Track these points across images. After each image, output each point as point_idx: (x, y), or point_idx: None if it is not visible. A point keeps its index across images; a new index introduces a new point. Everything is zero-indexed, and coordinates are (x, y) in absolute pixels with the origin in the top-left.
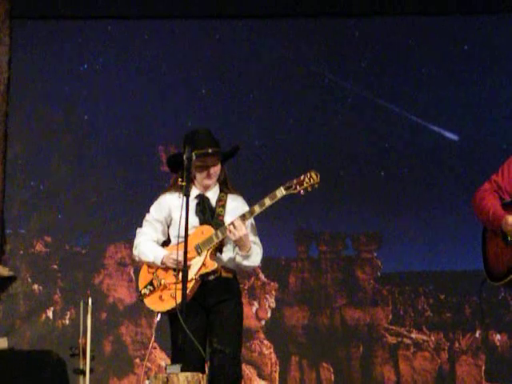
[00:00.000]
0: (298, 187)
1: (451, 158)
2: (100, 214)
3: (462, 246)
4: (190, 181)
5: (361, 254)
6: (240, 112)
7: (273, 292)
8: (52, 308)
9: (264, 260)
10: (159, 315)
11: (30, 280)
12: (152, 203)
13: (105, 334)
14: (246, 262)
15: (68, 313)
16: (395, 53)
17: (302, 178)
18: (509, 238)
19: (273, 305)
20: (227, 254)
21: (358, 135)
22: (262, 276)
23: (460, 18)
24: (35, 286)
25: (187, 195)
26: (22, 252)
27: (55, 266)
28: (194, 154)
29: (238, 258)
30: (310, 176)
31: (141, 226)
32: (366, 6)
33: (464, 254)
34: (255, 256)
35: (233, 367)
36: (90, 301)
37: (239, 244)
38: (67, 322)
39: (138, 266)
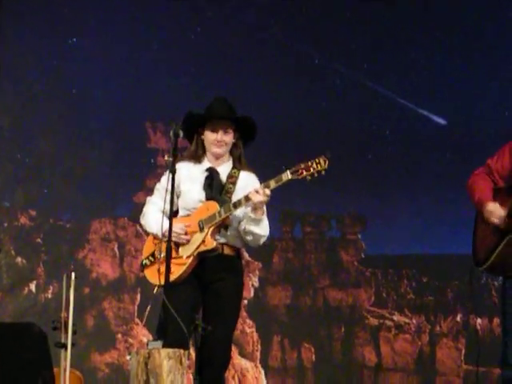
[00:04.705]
0: (304, 172)
1: (439, 142)
2: (85, 188)
3: (446, 230)
4: (203, 152)
5: (345, 236)
6: (228, 92)
7: (256, 271)
8: (35, 281)
9: None
10: (156, 288)
11: (13, 253)
12: (137, 180)
13: (87, 309)
14: (257, 229)
15: (51, 287)
16: (385, 36)
17: (309, 163)
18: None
19: (256, 284)
20: (233, 230)
21: (346, 117)
22: (245, 255)
23: (449, 3)
24: (18, 259)
25: (173, 172)
26: (6, 224)
27: (39, 240)
28: (205, 114)
29: (250, 225)
30: (319, 162)
31: (131, 198)
32: None
33: (448, 238)
34: (266, 225)
35: (223, 350)
36: (73, 275)
37: (256, 206)
38: (50, 295)
39: (122, 242)
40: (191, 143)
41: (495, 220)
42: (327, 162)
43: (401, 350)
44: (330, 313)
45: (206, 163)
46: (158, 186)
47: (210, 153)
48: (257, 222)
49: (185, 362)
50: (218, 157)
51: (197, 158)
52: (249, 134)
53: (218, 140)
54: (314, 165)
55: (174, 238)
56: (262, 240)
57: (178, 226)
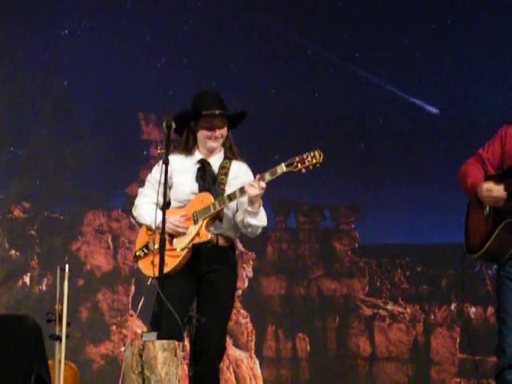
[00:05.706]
0: (299, 165)
1: (432, 131)
2: (79, 180)
3: (440, 218)
4: (194, 144)
5: (339, 226)
6: (221, 81)
7: (250, 261)
8: (29, 274)
9: None
10: (150, 279)
11: (7, 245)
12: (130, 171)
13: (82, 301)
14: (254, 221)
15: (45, 279)
16: (378, 24)
17: (304, 155)
18: (486, 210)
19: (250, 274)
20: (227, 221)
21: (338, 106)
22: (239, 245)
23: None
24: (12, 252)
25: (166, 163)
26: None
27: (33, 232)
28: (202, 112)
29: (247, 217)
30: (314, 155)
31: (118, 192)
32: None
33: (442, 227)
34: (263, 216)
35: (218, 341)
36: (66, 267)
37: (253, 200)
38: (44, 287)
39: (115, 233)
40: (181, 136)
41: (496, 193)
42: (322, 156)
43: (395, 340)
44: (324, 303)
45: (198, 155)
46: (149, 177)
47: (205, 147)
48: (254, 214)
49: (179, 353)
50: (213, 150)
51: (188, 150)
52: (236, 122)
53: (215, 136)
54: (309, 158)
55: (170, 230)
56: (260, 230)
57: (175, 218)
